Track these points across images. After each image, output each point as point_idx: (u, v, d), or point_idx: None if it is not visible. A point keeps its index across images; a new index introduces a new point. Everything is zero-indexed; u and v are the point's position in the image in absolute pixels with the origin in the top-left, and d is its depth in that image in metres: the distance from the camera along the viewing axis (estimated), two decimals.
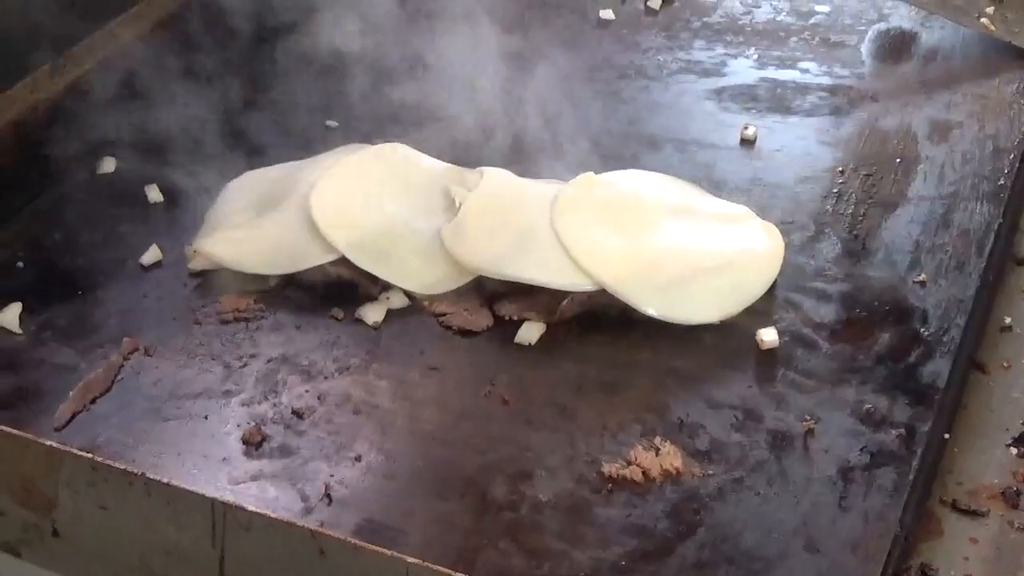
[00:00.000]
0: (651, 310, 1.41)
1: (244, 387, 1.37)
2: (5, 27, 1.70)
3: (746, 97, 1.83)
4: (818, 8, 2.00)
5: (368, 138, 1.72)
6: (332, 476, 1.26)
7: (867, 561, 1.13)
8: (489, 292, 1.47)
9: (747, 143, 1.73)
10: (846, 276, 1.48)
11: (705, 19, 2.00)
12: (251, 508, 1.11)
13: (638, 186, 1.58)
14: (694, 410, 1.31)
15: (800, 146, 1.72)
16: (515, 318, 1.44)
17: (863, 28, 1.95)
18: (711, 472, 1.24)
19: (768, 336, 1.38)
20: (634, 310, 1.42)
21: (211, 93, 1.78)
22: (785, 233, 1.53)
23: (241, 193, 1.63)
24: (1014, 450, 1.27)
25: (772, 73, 1.87)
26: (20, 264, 1.58)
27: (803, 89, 1.83)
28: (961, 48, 1.87)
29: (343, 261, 1.48)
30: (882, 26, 1.94)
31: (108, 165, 1.76)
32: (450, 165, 1.62)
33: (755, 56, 1.91)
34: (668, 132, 1.77)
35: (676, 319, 1.42)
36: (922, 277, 1.45)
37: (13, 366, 1.42)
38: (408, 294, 1.48)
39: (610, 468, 1.24)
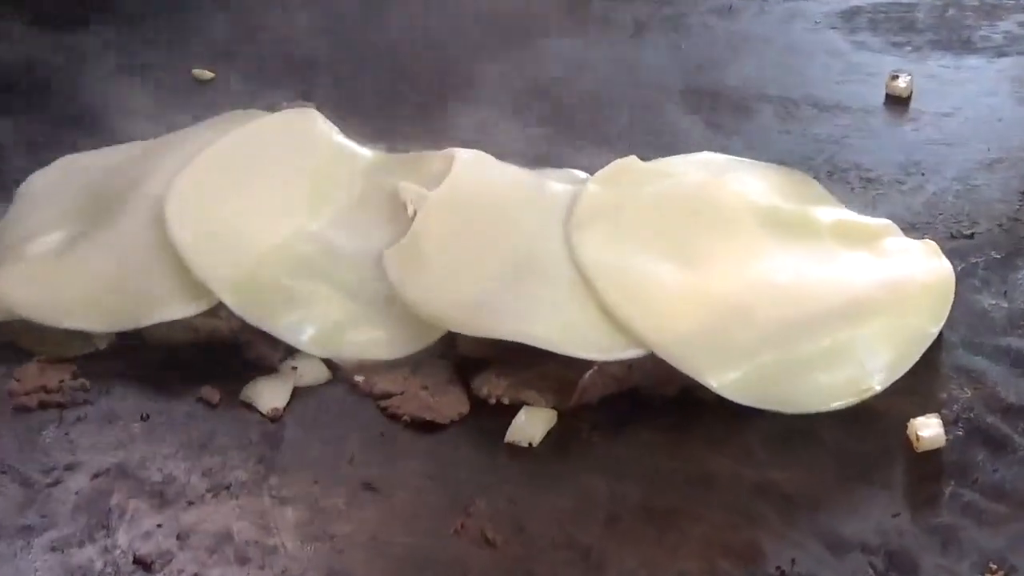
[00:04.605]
0: (730, 389, 1.41)
1: (55, 519, 1.37)
2: None
3: (895, 25, 1.85)
4: None
5: (263, 99, 1.73)
6: None
7: None
8: (463, 359, 1.47)
9: (896, 102, 1.74)
10: None
11: None
12: None
13: (712, 180, 1.58)
14: (804, 554, 1.31)
15: (985, 107, 1.73)
16: (506, 402, 1.44)
17: None
18: None
19: (927, 430, 1.38)
20: (703, 389, 1.41)
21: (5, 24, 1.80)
22: (958, 256, 1.54)
23: (52, 195, 1.63)
24: None
25: None
26: None
27: (992, 10, 1.85)
28: None
29: (221, 310, 1.48)
30: None
31: None
32: (395, 153, 1.64)
33: None
34: (765, 85, 1.77)
35: (773, 404, 1.41)
36: None
37: None
38: (329, 363, 1.48)
39: None
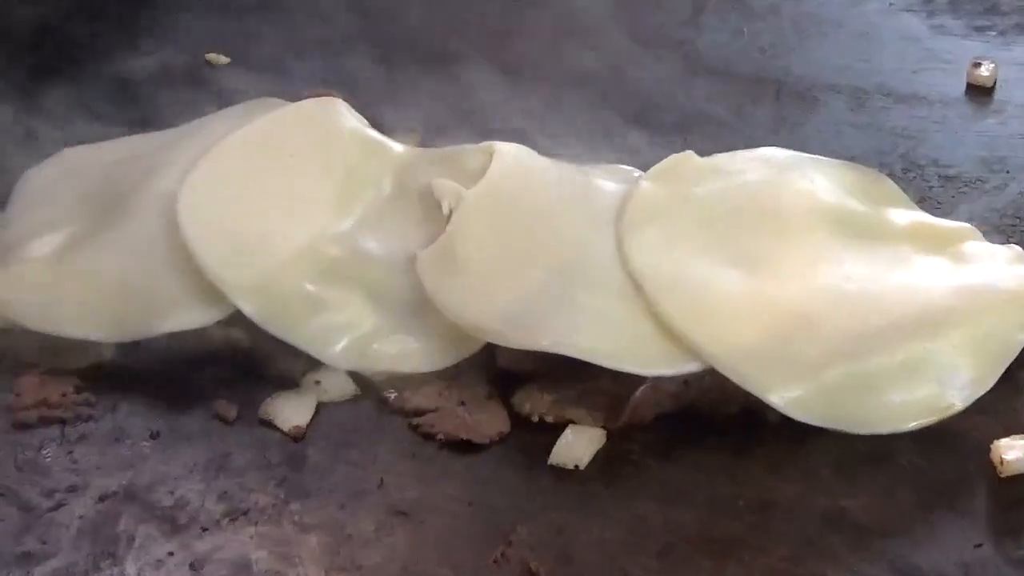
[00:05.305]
0: (796, 407, 1.40)
1: (58, 546, 1.37)
2: None
3: (978, 7, 1.85)
4: None
5: (283, 87, 1.73)
6: None
7: None
8: (503, 373, 1.47)
9: (979, 92, 1.74)
10: None
11: None
12: None
13: (776, 178, 1.58)
14: None
15: None
16: (550, 420, 1.44)
17: None
18: None
19: (1013, 453, 1.37)
20: (766, 408, 1.40)
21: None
22: None
23: (52, 192, 1.63)
24: None
25: None
26: None
27: None
28: None
29: (238, 319, 1.48)
30: None
31: None
32: (427, 147, 1.64)
33: None
34: (834, 74, 1.78)
35: (843, 424, 1.40)
36: None
37: None
38: (356, 377, 1.48)
39: None
